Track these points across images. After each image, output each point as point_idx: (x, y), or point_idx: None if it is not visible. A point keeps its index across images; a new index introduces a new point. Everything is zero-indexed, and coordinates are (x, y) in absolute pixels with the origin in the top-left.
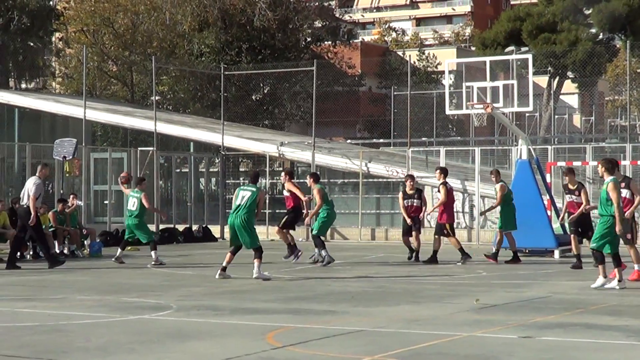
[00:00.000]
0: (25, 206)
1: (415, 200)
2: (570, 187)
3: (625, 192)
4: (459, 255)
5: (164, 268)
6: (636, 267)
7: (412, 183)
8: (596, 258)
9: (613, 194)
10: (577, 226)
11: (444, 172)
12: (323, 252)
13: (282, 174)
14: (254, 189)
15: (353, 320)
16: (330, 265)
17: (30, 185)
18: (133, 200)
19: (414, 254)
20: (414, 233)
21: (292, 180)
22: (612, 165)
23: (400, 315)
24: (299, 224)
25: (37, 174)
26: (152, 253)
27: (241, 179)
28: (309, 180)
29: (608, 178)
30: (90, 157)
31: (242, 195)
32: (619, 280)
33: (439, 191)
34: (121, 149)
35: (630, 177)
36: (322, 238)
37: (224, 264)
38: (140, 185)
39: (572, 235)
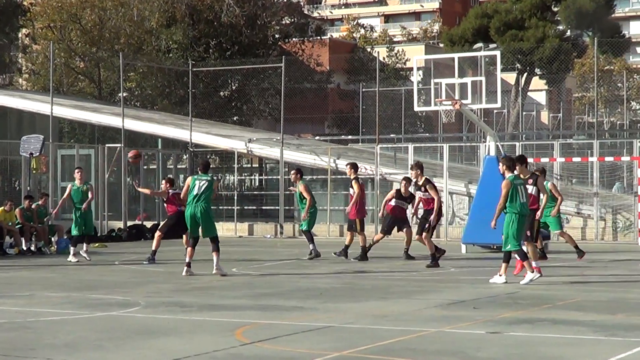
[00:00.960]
0: None
1: (405, 204)
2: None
3: (531, 189)
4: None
5: (134, 264)
6: (533, 263)
7: (407, 185)
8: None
9: (503, 191)
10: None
11: (354, 167)
12: (311, 246)
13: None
14: (209, 178)
15: (322, 316)
16: (318, 259)
17: None
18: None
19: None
20: (405, 230)
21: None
22: (512, 164)
23: (368, 311)
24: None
25: None
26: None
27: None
28: (293, 176)
29: (507, 175)
30: (58, 154)
31: (199, 185)
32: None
33: (351, 186)
34: (89, 146)
35: (538, 174)
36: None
37: (188, 260)
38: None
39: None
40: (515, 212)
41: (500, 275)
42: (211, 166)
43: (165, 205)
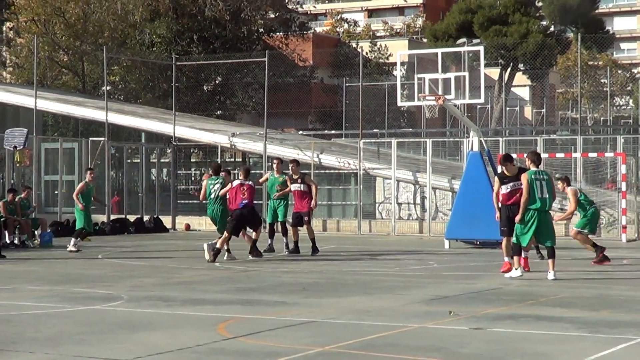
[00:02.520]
0: None
1: None
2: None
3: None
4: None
5: (115, 259)
6: (506, 259)
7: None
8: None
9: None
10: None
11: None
12: (269, 241)
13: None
14: (221, 180)
15: (304, 311)
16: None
17: None
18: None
19: None
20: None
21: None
22: (537, 157)
23: (351, 306)
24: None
25: None
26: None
27: (192, 169)
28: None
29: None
30: (41, 147)
31: (214, 189)
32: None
33: (302, 182)
34: (72, 139)
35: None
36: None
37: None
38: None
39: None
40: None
41: (549, 272)
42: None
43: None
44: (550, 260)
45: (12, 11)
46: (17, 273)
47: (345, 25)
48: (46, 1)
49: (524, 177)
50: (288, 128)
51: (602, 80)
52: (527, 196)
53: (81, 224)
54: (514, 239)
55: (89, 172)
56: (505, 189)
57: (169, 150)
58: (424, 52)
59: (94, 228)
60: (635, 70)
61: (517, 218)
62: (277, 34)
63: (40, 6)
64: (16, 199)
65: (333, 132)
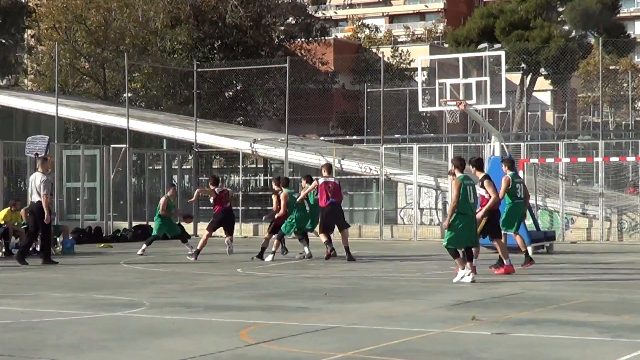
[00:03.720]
0: (35, 202)
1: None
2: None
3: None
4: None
5: (139, 265)
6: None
7: None
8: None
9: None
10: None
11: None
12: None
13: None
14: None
15: (327, 317)
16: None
17: (38, 182)
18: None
19: None
20: None
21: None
22: (461, 163)
23: (373, 311)
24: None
25: (39, 170)
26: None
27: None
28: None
29: (458, 175)
30: (63, 155)
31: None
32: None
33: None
34: (94, 146)
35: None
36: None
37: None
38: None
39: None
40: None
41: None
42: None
43: (213, 205)
44: (465, 261)
45: (34, 19)
46: (40, 280)
47: (367, 31)
48: (67, 9)
49: (456, 184)
50: (309, 134)
51: (623, 85)
52: (457, 202)
53: (155, 232)
54: (445, 242)
55: (171, 188)
56: None
57: (190, 157)
58: (445, 57)
59: (115, 234)
60: None
61: (445, 224)
62: (298, 40)
63: (62, 13)
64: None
65: (354, 137)
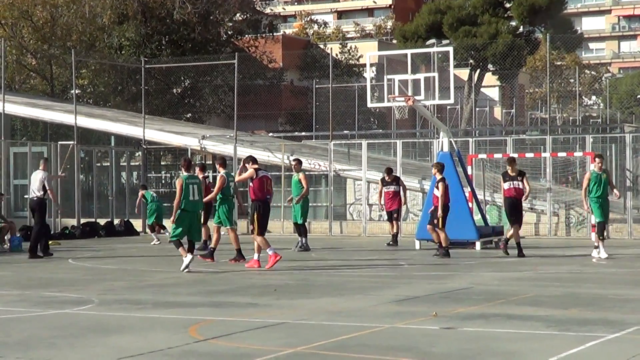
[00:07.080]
0: (35, 198)
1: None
2: (512, 174)
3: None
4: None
5: (87, 262)
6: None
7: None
8: None
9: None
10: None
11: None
12: (303, 239)
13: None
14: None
15: (276, 312)
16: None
17: (41, 177)
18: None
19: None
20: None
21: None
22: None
23: (322, 307)
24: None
25: (41, 168)
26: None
27: (162, 172)
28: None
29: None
30: (10, 152)
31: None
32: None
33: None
34: (41, 143)
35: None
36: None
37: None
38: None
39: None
40: None
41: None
42: (165, 163)
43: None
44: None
45: None
46: None
47: (315, 27)
48: (13, 4)
49: (179, 182)
50: (258, 130)
51: (570, 80)
52: (180, 199)
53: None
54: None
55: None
56: (507, 185)
57: (138, 153)
58: (393, 53)
59: (63, 232)
60: (602, 70)
61: (172, 219)
62: (246, 36)
63: (7, 9)
64: None
65: (303, 133)
